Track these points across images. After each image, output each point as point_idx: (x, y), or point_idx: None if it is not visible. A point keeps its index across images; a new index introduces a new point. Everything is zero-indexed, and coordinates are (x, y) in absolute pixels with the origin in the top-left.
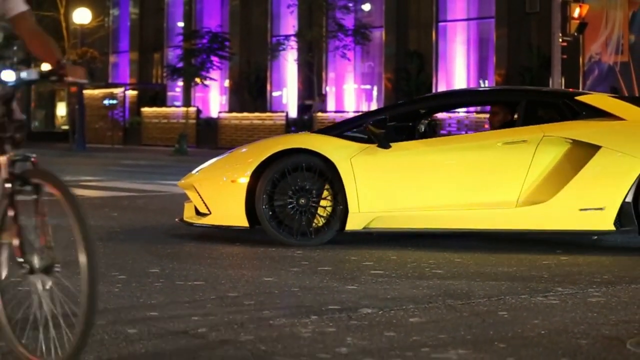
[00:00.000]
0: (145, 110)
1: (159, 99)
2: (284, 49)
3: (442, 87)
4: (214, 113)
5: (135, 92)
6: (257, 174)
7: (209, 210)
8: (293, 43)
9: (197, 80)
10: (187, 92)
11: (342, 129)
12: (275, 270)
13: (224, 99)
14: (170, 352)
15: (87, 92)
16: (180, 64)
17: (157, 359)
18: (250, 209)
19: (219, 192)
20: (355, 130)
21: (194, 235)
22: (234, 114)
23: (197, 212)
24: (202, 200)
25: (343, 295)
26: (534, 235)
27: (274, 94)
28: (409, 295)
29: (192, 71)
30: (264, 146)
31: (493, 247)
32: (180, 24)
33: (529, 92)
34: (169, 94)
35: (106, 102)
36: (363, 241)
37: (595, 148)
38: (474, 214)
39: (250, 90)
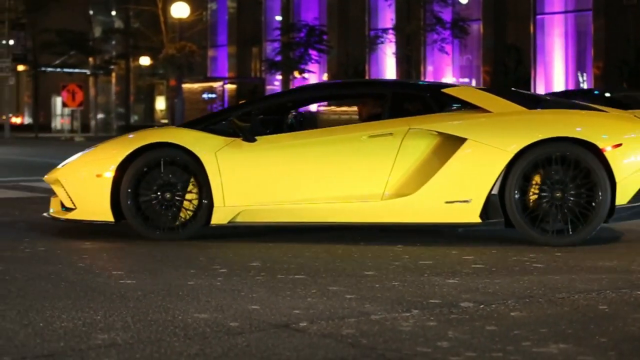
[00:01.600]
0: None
1: (258, 93)
2: (382, 42)
3: (540, 81)
4: (312, 107)
5: (234, 86)
6: (122, 168)
7: (74, 205)
8: (391, 36)
9: (296, 73)
10: (285, 86)
11: (207, 123)
12: (376, 264)
13: None
14: (272, 345)
15: (186, 86)
16: (279, 58)
17: (259, 353)
18: (116, 204)
19: (84, 187)
20: (223, 123)
21: (293, 229)
22: (333, 108)
23: (63, 207)
24: (68, 194)
25: (444, 289)
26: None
27: None
28: (509, 289)
29: (290, 64)
30: (129, 140)
31: (593, 242)
32: (278, 18)
33: (395, 85)
34: (268, 87)
35: (205, 96)
36: (464, 235)
37: (461, 140)
38: (340, 207)
39: None
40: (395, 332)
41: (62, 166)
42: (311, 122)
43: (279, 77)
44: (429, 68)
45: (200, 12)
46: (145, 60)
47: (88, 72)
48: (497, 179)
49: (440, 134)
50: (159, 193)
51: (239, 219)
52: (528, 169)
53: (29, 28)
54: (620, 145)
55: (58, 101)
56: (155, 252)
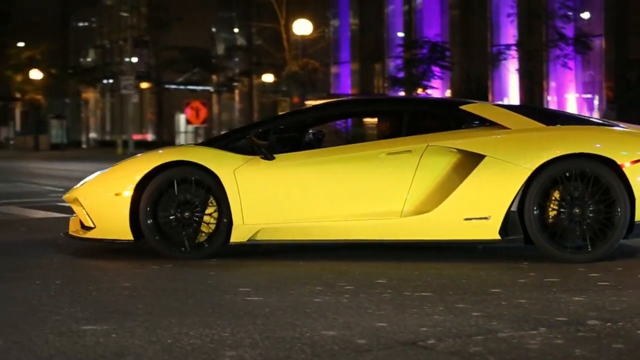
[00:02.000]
0: (368, 120)
1: None
2: (505, 59)
3: None
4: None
5: None
6: (141, 187)
7: (93, 224)
8: (513, 52)
9: (419, 90)
10: None
11: (226, 141)
12: (502, 281)
13: None
14: None
15: (309, 103)
16: (401, 74)
17: None
18: (135, 222)
19: (103, 206)
20: (241, 141)
21: (417, 246)
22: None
23: (83, 226)
24: (87, 213)
25: (570, 307)
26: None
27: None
28: (636, 307)
29: (413, 81)
30: (147, 159)
31: None
32: (400, 34)
33: (413, 102)
34: None
35: None
36: None
37: (480, 157)
38: (358, 225)
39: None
40: (522, 350)
41: (81, 185)
42: (329, 140)
43: (402, 93)
44: (552, 84)
45: (322, 29)
46: (268, 78)
47: (211, 89)
48: (516, 195)
49: (458, 150)
50: (178, 211)
51: (259, 237)
52: (547, 186)
53: (152, 45)
54: (639, 161)
55: (182, 118)
56: (282, 269)
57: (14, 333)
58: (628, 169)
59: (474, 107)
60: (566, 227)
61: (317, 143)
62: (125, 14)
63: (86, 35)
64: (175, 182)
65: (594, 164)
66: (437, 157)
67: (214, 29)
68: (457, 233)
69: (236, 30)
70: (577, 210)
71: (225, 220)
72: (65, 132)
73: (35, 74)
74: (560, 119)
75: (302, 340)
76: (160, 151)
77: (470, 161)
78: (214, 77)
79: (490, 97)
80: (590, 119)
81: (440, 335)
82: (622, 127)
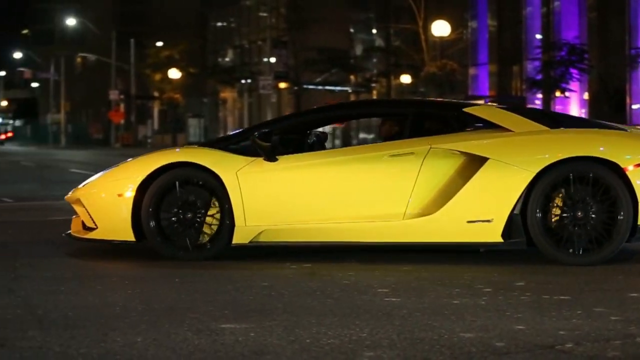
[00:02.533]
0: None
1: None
2: None
3: None
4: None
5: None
6: (143, 188)
7: (95, 225)
8: None
9: (557, 92)
10: (546, 105)
11: (229, 142)
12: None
13: (583, 111)
14: None
15: None
16: (539, 76)
17: None
18: (138, 223)
19: (105, 206)
20: (244, 143)
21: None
22: None
23: (84, 227)
24: (89, 214)
25: None
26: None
27: (634, 106)
28: None
29: (551, 83)
30: (149, 160)
31: None
32: (538, 36)
33: (416, 104)
34: (529, 106)
35: None
36: None
37: (483, 160)
38: (361, 227)
39: (610, 103)
40: None
41: (83, 186)
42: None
43: (540, 95)
44: None
45: (460, 31)
46: (406, 79)
47: (349, 90)
48: (519, 198)
49: (461, 153)
50: (180, 213)
51: (261, 239)
52: (550, 189)
53: (290, 46)
54: None
55: None
56: (420, 271)
57: (153, 330)
58: (631, 172)
59: (477, 110)
60: (568, 230)
61: (320, 145)
62: (264, 14)
63: (225, 35)
64: (177, 183)
65: (597, 167)
66: (440, 160)
67: (352, 30)
68: (460, 236)
69: (374, 31)
70: (579, 214)
71: (227, 221)
72: (203, 131)
73: (174, 73)
74: (564, 121)
75: (440, 342)
76: (163, 152)
77: (473, 164)
78: (352, 78)
79: (627, 100)
80: (595, 122)
81: (578, 339)
82: (627, 131)
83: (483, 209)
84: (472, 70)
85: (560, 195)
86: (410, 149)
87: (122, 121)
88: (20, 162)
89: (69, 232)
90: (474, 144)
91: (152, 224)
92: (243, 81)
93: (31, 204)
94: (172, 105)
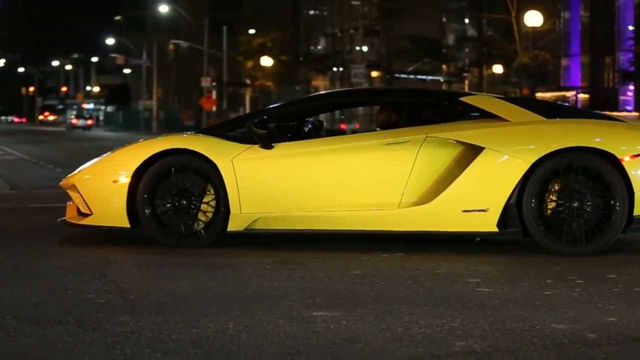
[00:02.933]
0: None
1: (611, 104)
2: None
3: None
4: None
5: (586, 96)
6: (139, 174)
7: (90, 211)
8: None
9: None
10: (638, 97)
11: (225, 129)
12: None
13: None
14: (630, 359)
15: (539, 95)
16: (632, 68)
17: None
18: (133, 209)
19: (101, 192)
20: (240, 130)
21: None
22: None
23: (79, 212)
24: (84, 200)
25: None
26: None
27: None
28: None
29: None
30: (145, 146)
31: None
32: (631, 27)
33: (412, 93)
34: (621, 98)
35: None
36: None
37: (479, 149)
38: (357, 215)
39: None
40: None
41: (79, 171)
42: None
43: (632, 87)
44: None
45: (553, 22)
46: (498, 69)
47: (441, 79)
48: (515, 188)
49: (457, 142)
50: (175, 200)
51: (257, 226)
52: (546, 179)
53: (382, 35)
54: (638, 155)
55: None
56: (511, 261)
57: (245, 317)
58: (627, 163)
59: (473, 99)
60: (564, 220)
61: (316, 133)
62: (356, 3)
63: (317, 24)
64: (173, 170)
65: (594, 158)
66: (435, 149)
67: (444, 19)
68: (455, 225)
69: (467, 20)
70: (575, 204)
71: (222, 208)
72: None
73: (266, 61)
74: (560, 112)
75: (532, 333)
76: (159, 139)
77: (469, 153)
78: (444, 67)
79: None
80: (593, 113)
81: None
82: (624, 121)
83: (479, 198)
84: (564, 62)
85: (556, 185)
86: (406, 137)
87: (214, 108)
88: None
89: (63, 218)
90: (470, 133)
91: (147, 210)
92: (335, 69)
93: None
94: (264, 92)
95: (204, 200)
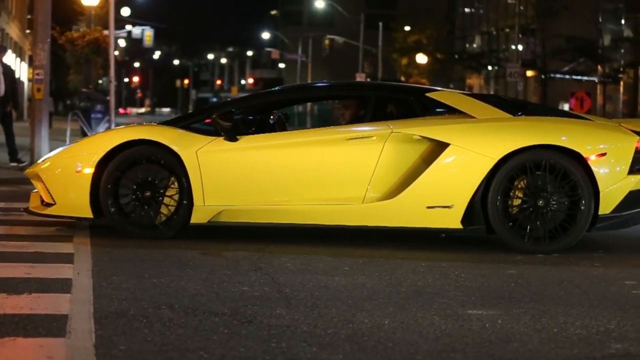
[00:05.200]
0: None
1: None
2: None
3: None
4: None
5: None
6: (102, 165)
7: (53, 201)
8: None
9: None
10: None
11: (190, 121)
12: None
13: None
14: None
15: None
16: None
17: None
18: (96, 200)
19: (64, 182)
20: (206, 122)
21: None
22: None
23: (43, 202)
24: (47, 190)
25: None
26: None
27: None
28: None
29: None
30: (109, 136)
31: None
32: None
33: (379, 88)
34: None
35: None
36: None
37: (444, 145)
38: (321, 209)
39: None
40: None
41: (43, 161)
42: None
43: None
44: None
45: None
46: None
47: (596, 80)
48: (480, 185)
49: (423, 138)
50: (138, 191)
51: (220, 219)
52: (511, 176)
53: (538, 34)
54: (604, 154)
55: (565, 107)
56: None
57: (400, 313)
58: (593, 161)
59: (440, 95)
60: (529, 218)
61: (281, 126)
62: (512, 2)
63: (472, 21)
64: (136, 161)
65: (559, 156)
66: (401, 144)
67: (600, 19)
68: (419, 221)
69: (623, 21)
70: (540, 202)
71: (186, 200)
72: None
73: (421, 58)
74: (527, 109)
75: None
76: (124, 129)
77: (434, 149)
78: (599, 68)
79: None
80: (560, 111)
81: None
82: (591, 120)
83: (443, 194)
84: None
85: (522, 183)
86: (372, 132)
87: None
88: None
89: (27, 207)
90: (436, 129)
91: (110, 201)
92: (489, 68)
93: None
94: None
95: (168, 192)
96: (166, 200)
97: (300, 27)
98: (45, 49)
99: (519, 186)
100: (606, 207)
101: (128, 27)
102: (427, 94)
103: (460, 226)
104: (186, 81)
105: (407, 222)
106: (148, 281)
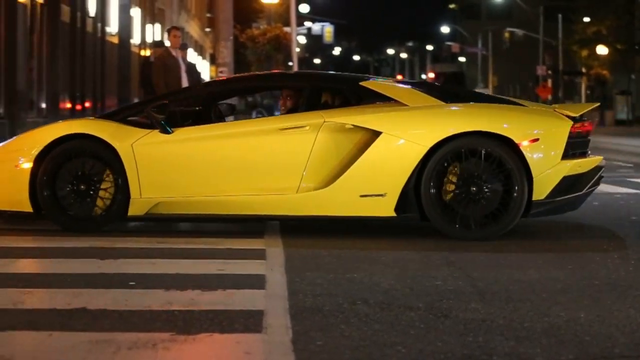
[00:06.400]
0: None
1: None
2: None
3: None
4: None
5: None
6: (40, 159)
7: None
8: None
9: None
10: None
11: (126, 114)
12: None
13: None
14: None
15: None
16: None
17: None
18: (35, 194)
19: (3, 178)
20: (141, 115)
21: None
22: None
23: None
24: None
25: None
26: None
27: None
28: None
29: None
30: (47, 131)
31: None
32: None
33: (314, 77)
34: None
35: None
36: None
37: (376, 134)
38: (257, 200)
39: None
40: None
41: None
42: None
43: None
44: None
45: None
46: None
47: None
48: (412, 173)
49: (355, 127)
50: (75, 184)
51: (158, 210)
52: (443, 163)
53: None
54: (537, 140)
55: None
56: None
57: (595, 306)
58: (525, 147)
59: (373, 84)
60: (462, 204)
61: (220, 117)
62: None
63: None
64: (72, 155)
65: (491, 142)
66: (334, 134)
67: None
68: (353, 209)
69: None
70: (473, 189)
71: (123, 193)
72: (630, 107)
73: (601, 50)
74: (460, 96)
75: None
76: (61, 123)
77: (366, 138)
78: None
79: None
80: (493, 97)
81: None
82: (525, 106)
83: (376, 183)
84: None
85: (454, 170)
86: (304, 122)
87: (550, 97)
88: None
89: None
90: (368, 118)
91: (46, 194)
92: None
93: None
94: (599, 81)
95: (104, 185)
96: (103, 193)
97: (479, 21)
98: (228, 47)
99: (452, 173)
100: (540, 192)
101: (307, 23)
102: (361, 83)
103: (393, 214)
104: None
105: (341, 211)
106: (341, 277)
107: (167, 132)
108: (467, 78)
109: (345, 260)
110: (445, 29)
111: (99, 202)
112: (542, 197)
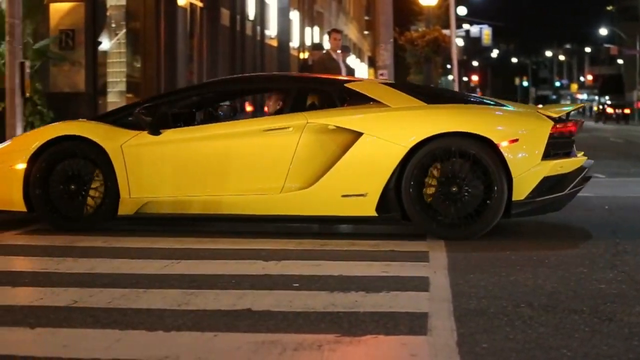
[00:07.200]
0: None
1: None
2: None
3: None
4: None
5: None
6: (34, 160)
7: None
8: None
9: None
10: None
11: (117, 116)
12: None
13: None
14: None
15: None
16: None
17: None
18: (30, 194)
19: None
20: (130, 117)
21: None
22: None
23: None
24: None
25: None
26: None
27: None
28: None
29: None
30: (41, 133)
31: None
32: None
33: (299, 79)
34: None
35: None
36: None
37: (358, 135)
38: (241, 200)
39: None
40: None
41: None
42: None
43: None
44: None
45: None
46: None
47: None
48: (393, 173)
49: (338, 128)
50: (66, 185)
51: (146, 210)
52: (423, 163)
53: None
54: (516, 140)
55: None
56: None
57: None
58: (505, 148)
59: (357, 85)
60: (442, 204)
61: (210, 119)
62: None
63: None
64: (64, 156)
65: (471, 143)
66: (317, 135)
67: None
68: (335, 209)
69: None
70: (453, 188)
71: (112, 193)
72: None
73: None
74: (442, 97)
75: None
76: (54, 125)
77: (348, 139)
78: None
79: None
80: (475, 98)
81: None
82: (506, 107)
83: (357, 183)
84: None
85: (435, 170)
86: (288, 123)
87: None
88: (609, 138)
89: None
90: (349, 119)
91: (38, 192)
92: None
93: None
94: None
95: (95, 185)
96: (94, 193)
97: (637, 22)
98: (389, 49)
99: (432, 173)
100: (520, 193)
101: (465, 26)
102: (346, 85)
103: (375, 214)
104: (524, 79)
105: (324, 211)
106: (505, 279)
107: (155, 134)
108: (624, 80)
109: (509, 263)
110: (603, 31)
111: (90, 202)
112: (522, 197)
